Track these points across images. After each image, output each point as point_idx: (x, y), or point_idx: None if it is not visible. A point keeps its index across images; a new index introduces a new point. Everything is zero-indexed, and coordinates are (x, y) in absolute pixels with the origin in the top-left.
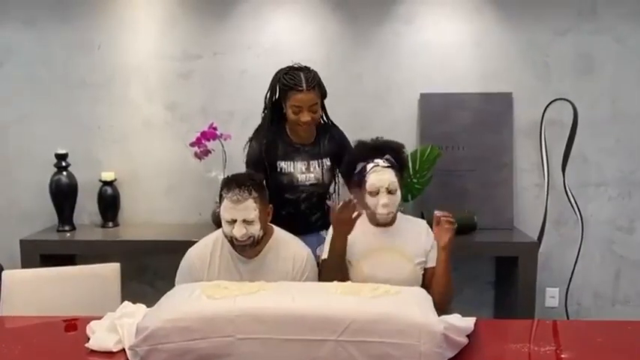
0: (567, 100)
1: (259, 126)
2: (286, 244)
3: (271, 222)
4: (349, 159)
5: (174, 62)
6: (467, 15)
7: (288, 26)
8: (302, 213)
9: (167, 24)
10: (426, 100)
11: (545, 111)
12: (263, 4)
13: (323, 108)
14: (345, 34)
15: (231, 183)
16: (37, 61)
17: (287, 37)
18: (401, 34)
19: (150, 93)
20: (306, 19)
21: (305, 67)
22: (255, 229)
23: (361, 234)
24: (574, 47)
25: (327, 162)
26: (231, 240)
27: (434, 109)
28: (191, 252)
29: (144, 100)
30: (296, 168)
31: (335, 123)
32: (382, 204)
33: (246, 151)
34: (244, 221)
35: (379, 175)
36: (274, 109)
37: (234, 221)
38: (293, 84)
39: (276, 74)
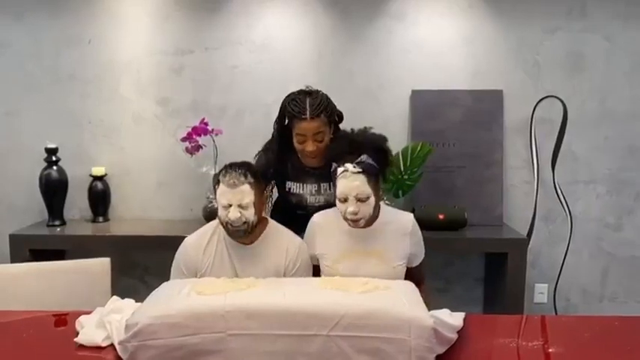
0: (557, 98)
1: (269, 141)
2: (280, 236)
3: (287, 224)
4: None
5: (165, 57)
6: (458, 12)
7: (280, 22)
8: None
9: (159, 18)
10: (417, 96)
11: (535, 108)
12: None
13: (337, 130)
14: (336, 31)
15: (229, 167)
16: (27, 55)
17: (279, 33)
18: (392, 30)
19: (141, 88)
20: (298, 16)
21: (314, 91)
22: (250, 214)
23: (338, 235)
24: (564, 45)
25: None
26: (227, 225)
27: (425, 105)
28: (187, 241)
29: (135, 95)
30: (306, 190)
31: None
32: (349, 211)
33: (255, 161)
34: (239, 206)
35: (348, 181)
36: (284, 132)
37: (229, 205)
38: (297, 111)
39: (284, 99)
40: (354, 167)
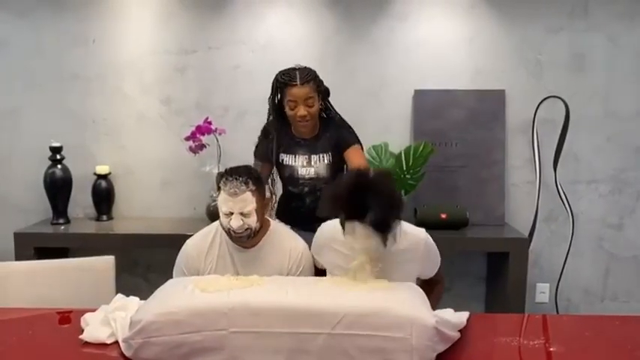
0: (559, 98)
1: (266, 123)
2: (283, 238)
3: (280, 215)
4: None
5: (169, 56)
6: (461, 12)
7: (283, 22)
8: (307, 207)
9: (162, 17)
10: (419, 96)
11: (537, 108)
12: None
13: (326, 102)
14: (339, 31)
15: (229, 175)
16: (31, 54)
17: (282, 32)
18: (395, 30)
19: (145, 87)
20: (301, 16)
21: (303, 66)
22: (252, 221)
23: (350, 254)
24: (567, 45)
25: (327, 157)
26: (228, 231)
27: (427, 105)
28: (188, 243)
29: (138, 94)
30: (297, 161)
31: (340, 116)
32: (355, 265)
33: (255, 148)
34: (241, 214)
35: (358, 241)
36: (279, 110)
37: (231, 213)
38: (288, 79)
39: (275, 76)
40: (364, 227)
